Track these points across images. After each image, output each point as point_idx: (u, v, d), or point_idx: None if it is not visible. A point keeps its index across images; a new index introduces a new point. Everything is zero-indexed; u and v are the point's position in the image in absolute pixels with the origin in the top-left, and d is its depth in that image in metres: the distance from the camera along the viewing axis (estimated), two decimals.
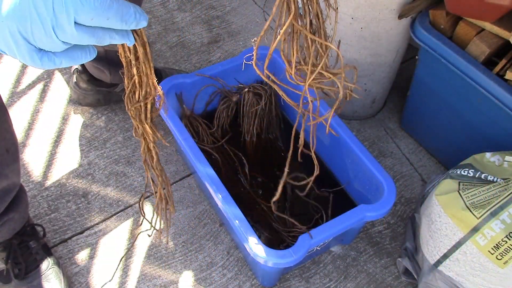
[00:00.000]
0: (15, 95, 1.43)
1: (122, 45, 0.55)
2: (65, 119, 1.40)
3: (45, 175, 1.30)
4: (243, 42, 1.62)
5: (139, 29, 0.51)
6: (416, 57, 1.25)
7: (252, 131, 1.26)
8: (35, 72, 1.49)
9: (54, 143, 1.36)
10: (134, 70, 0.56)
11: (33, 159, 1.32)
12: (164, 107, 1.01)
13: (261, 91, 1.25)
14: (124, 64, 0.57)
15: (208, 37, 1.63)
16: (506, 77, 1.06)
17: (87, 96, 1.39)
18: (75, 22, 0.41)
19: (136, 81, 0.57)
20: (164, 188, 0.76)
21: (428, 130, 1.37)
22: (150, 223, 0.89)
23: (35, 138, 1.36)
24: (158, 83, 1.02)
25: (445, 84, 1.21)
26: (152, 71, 0.57)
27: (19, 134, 1.36)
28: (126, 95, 0.60)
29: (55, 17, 0.40)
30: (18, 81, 1.47)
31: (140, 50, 0.53)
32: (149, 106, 0.61)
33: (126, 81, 0.58)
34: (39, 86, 1.46)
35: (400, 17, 1.18)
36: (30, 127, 1.38)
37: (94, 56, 0.47)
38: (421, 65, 1.25)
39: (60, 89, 1.46)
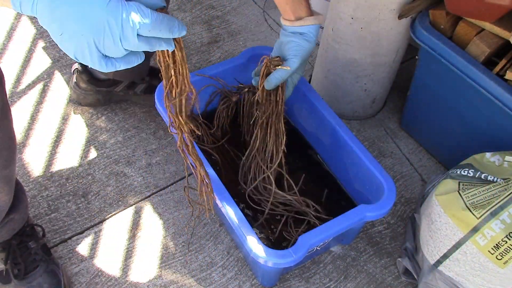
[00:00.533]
0: (15, 95, 1.43)
1: (162, 52, 0.66)
2: (65, 119, 1.40)
3: (45, 175, 1.30)
4: (243, 42, 1.62)
5: (179, 37, 0.62)
6: (416, 57, 1.25)
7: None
8: (35, 72, 1.49)
9: (54, 143, 1.36)
10: (172, 72, 0.67)
11: (33, 159, 1.32)
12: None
13: None
14: (163, 67, 0.67)
15: (208, 37, 1.63)
16: (506, 77, 1.06)
17: (87, 96, 1.39)
18: (137, 34, 0.53)
19: (174, 81, 0.68)
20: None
21: (428, 130, 1.37)
22: (195, 203, 1.00)
23: (35, 138, 1.36)
24: (158, 83, 1.07)
25: (445, 84, 1.21)
26: (187, 71, 0.68)
27: (19, 134, 1.36)
28: (165, 94, 0.71)
29: (123, 31, 0.52)
30: (18, 81, 1.47)
31: (178, 54, 0.65)
32: (183, 101, 0.72)
33: (164, 82, 0.69)
34: (39, 86, 1.46)
35: (400, 17, 1.18)
36: (30, 127, 1.38)
37: (143, 60, 0.58)
38: (421, 65, 1.25)
39: (60, 89, 1.46)
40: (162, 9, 0.59)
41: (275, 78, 1.02)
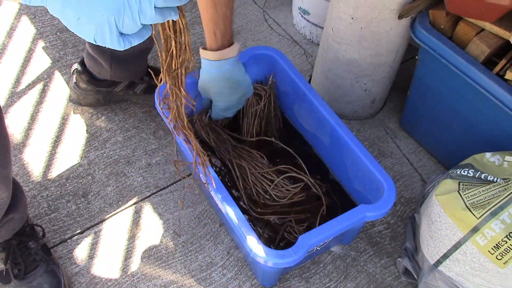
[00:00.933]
0: (15, 95, 1.43)
1: (162, 24, 0.66)
2: (65, 119, 1.40)
3: (45, 175, 1.30)
4: (243, 42, 1.62)
5: (181, 5, 0.63)
6: (416, 57, 1.25)
7: (251, 131, 1.26)
8: (35, 72, 1.49)
9: (54, 143, 1.36)
10: (173, 42, 0.67)
11: (33, 159, 1.32)
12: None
13: (261, 92, 1.25)
14: (162, 40, 0.67)
15: None
16: (506, 77, 1.06)
17: (87, 96, 1.39)
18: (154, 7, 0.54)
19: (174, 52, 0.68)
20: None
21: (428, 130, 1.37)
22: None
23: (35, 138, 1.36)
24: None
25: (445, 84, 1.21)
26: (189, 38, 0.69)
27: (19, 134, 1.36)
28: (165, 68, 0.70)
29: (141, 6, 0.53)
30: (18, 81, 1.47)
31: (182, 21, 0.65)
32: (183, 71, 0.73)
33: (163, 55, 0.69)
34: (39, 86, 1.46)
35: (400, 17, 1.18)
36: (30, 127, 1.38)
37: (151, 32, 0.59)
38: (421, 65, 1.25)
39: (60, 89, 1.46)
40: None
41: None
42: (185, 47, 0.69)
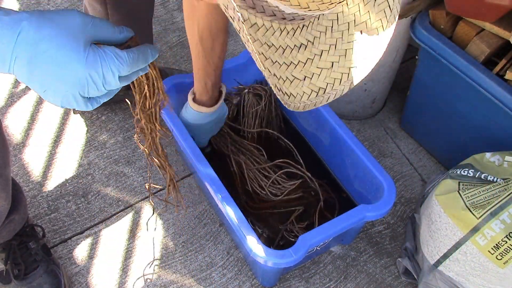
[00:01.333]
0: (15, 95, 1.43)
1: None
2: (65, 119, 1.40)
3: (45, 175, 1.30)
4: (243, 42, 1.62)
5: None
6: (416, 57, 1.25)
7: (253, 131, 1.26)
8: None
9: (54, 143, 1.36)
10: (145, 86, 0.69)
11: (33, 159, 1.32)
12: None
13: (261, 92, 1.25)
14: (136, 84, 0.70)
15: None
16: (506, 77, 1.06)
17: None
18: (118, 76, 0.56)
19: (148, 94, 0.70)
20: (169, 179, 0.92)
21: (428, 130, 1.37)
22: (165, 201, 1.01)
23: (35, 138, 1.36)
24: None
25: (445, 84, 1.21)
26: (162, 84, 0.71)
27: (19, 134, 1.36)
28: (139, 107, 0.73)
29: (105, 79, 0.54)
30: (18, 81, 1.47)
31: (153, 73, 0.67)
32: (158, 109, 0.74)
33: (137, 97, 0.71)
34: None
35: (400, 17, 1.18)
36: (30, 127, 1.38)
37: (121, 87, 0.60)
38: (421, 65, 1.25)
39: None
40: (132, 38, 0.60)
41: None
42: (158, 90, 0.71)
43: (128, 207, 1.26)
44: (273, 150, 1.26)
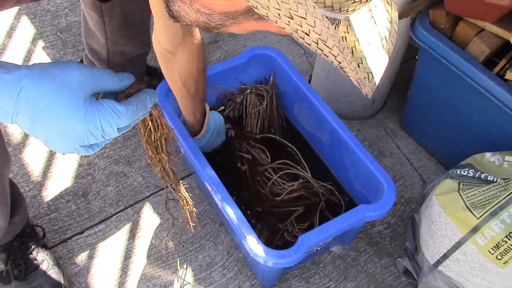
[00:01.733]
0: None
1: None
2: None
3: (45, 175, 1.30)
4: (243, 42, 1.62)
5: None
6: (416, 57, 1.25)
7: (255, 131, 1.26)
8: None
9: None
10: (149, 122, 0.71)
11: (33, 159, 1.32)
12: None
13: (263, 92, 1.25)
14: (140, 120, 0.70)
15: (208, 37, 1.63)
16: (506, 77, 1.06)
17: None
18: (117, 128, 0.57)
19: (152, 129, 0.72)
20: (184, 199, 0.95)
21: (428, 130, 1.37)
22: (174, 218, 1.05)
23: (35, 138, 1.36)
24: (158, 83, 1.08)
25: (445, 84, 1.21)
26: (165, 120, 0.72)
27: (19, 134, 1.36)
28: (144, 140, 0.75)
29: (104, 132, 0.55)
30: None
31: (155, 113, 0.69)
32: (163, 141, 0.76)
33: (142, 131, 0.73)
34: None
35: (400, 17, 1.18)
36: None
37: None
38: (421, 65, 1.25)
39: None
40: (133, 85, 0.60)
41: None
42: (162, 127, 0.73)
43: (128, 207, 1.26)
44: (275, 150, 1.26)
